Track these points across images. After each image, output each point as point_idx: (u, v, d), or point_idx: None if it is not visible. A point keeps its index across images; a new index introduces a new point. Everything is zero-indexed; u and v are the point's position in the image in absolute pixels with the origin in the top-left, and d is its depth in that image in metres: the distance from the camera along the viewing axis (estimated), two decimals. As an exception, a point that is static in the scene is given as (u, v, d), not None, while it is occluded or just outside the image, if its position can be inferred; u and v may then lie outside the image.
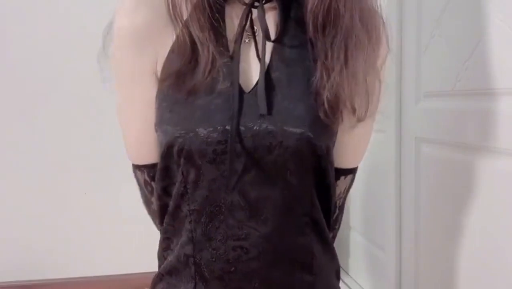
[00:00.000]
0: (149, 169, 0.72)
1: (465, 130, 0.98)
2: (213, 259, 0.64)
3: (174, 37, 0.65)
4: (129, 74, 0.67)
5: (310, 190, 0.66)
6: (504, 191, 0.86)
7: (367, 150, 0.78)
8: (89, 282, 1.82)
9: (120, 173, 1.74)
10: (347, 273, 1.84)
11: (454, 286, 1.03)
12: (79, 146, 1.79)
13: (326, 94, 0.62)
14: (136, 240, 1.74)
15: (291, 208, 0.65)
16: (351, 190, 0.80)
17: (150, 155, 0.70)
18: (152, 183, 0.72)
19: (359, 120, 0.65)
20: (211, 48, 0.63)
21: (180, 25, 0.64)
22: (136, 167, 0.73)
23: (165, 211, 0.69)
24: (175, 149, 0.62)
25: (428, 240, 1.16)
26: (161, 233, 0.71)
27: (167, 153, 0.64)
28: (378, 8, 0.67)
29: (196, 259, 0.65)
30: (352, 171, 0.76)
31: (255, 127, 0.61)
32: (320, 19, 0.62)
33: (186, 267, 0.66)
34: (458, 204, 1.00)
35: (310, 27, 0.63)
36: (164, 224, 0.69)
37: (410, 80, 1.22)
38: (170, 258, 0.69)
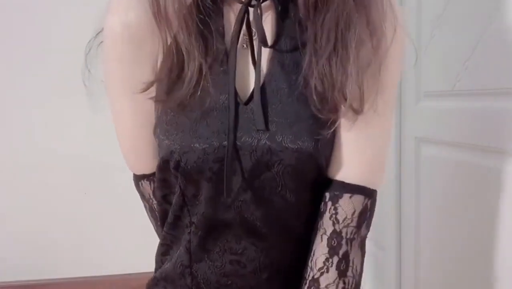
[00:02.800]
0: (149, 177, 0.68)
1: (465, 130, 0.97)
2: (210, 271, 0.63)
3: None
4: (122, 78, 0.62)
5: (308, 205, 0.63)
6: (504, 191, 0.86)
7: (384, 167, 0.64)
8: (89, 282, 1.82)
9: (120, 172, 1.74)
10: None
11: (454, 286, 1.03)
12: (79, 145, 1.79)
13: (314, 83, 0.57)
14: (136, 240, 1.73)
15: (288, 224, 0.62)
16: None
17: (155, 162, 0.65)
18: None
19: (356, 112, 0.58)
20: (198, 57, 0.58)
21: (165, 29, 0.58)
22: (143, 177, 0.69)
23: (165, 216, 0.66)
24: (171, 164, 0.59)
25: (428, 240, 1.16)
26: (160, 239, 0.69)
27: (163, 166, 0.61)
28: None
29: (192, 270, 0.63)
30: (363, 191, 0.61)
31: (253, 144, 0.58)
32: None
33: (182, 277, 0.64)
34: (458, 203, 1.00)
35: (302, 8, 0.59)
36: (164, 232, 0.67)
37: (410, 80, 1.22)
38: (167, 265, 0.67)
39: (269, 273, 0.63)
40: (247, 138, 0.58)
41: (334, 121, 0.58)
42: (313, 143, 0.58)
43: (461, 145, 0.99)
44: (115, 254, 1.82)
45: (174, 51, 0.58)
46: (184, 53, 0.58)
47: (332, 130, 0.59)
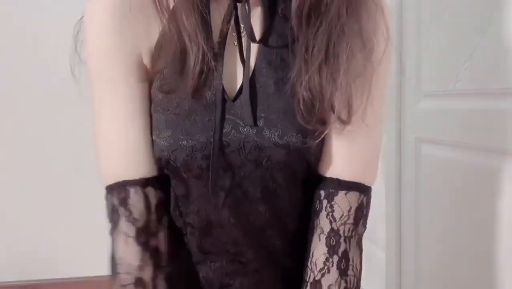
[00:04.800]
0: (143, 185, 0.59)
1: (465, 130, 0.98)
2: (212, 271, 0.63)
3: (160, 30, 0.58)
4: (108, 64, 0.59)
5: (301, 202, 0.63)
6: (504, 191, 0.86)
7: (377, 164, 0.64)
8: (89, 282, 1.82)
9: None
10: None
11: (454, 286, 1.03)
12: (79, 145, 1.79)
13: (302, 93, 0.56)
14: (136, 240, 1.74)
15: (282, 222, 0.63)
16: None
17: (147, 163, 0.60)
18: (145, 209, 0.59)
19: (344, 123, 0.57)
20: (201, 43, 0.56)
21: (166, 15, 0.57)
22: (127, 183, 0.59)
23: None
24: (163, 162, 0.59)
25: (428, 240, 1.16)
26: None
27: (160, 164, 0.60)
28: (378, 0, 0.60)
29: (194, 270, 0.64)
30: (358, 187, 0.61)
31: (240, 141, 0.57)
32: (306, 9, 0.57)
33: (184, 278, 0.64)
34: (458, 203, 1.00)
35: (294, 19, 0.58)
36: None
37: (410, 80, 1.22)
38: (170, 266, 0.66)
39: (272, 272, 0.63)
40: (234, 135, 0.57)
41: (321, 132, 0.58)
42: (301, 138, 0.57)
43: (461, 144, 0.99)
44: (115, 254, 1.83)
45: (176, 37, 0.57)
46: (186, 40, 0.56)
47: (319, 139, 0.58)
